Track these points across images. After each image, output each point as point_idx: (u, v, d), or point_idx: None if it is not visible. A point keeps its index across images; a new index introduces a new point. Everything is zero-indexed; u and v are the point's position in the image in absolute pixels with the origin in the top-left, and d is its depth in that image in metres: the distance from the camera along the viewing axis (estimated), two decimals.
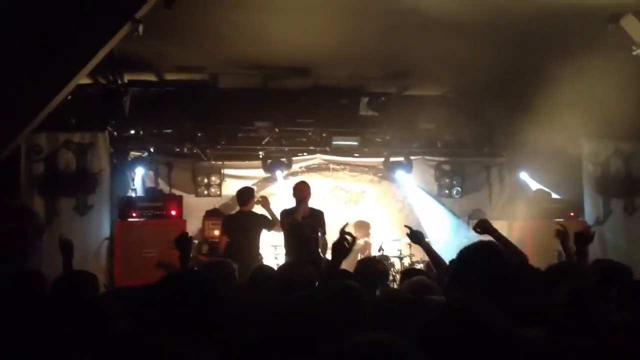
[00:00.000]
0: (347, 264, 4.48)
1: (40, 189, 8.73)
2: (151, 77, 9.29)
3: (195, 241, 9.54)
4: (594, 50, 7.27)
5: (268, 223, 8.36)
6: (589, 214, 9.88)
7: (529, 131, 8.90)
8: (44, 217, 8.66)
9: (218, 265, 4.73)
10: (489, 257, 2.92)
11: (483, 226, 4.49)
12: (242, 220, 8.41)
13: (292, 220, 7.66)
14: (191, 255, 7.73)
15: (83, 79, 7.55)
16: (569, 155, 9.85)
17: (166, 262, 7.85)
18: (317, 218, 7.96)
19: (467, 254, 2.98)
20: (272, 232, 8.43)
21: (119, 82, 8.75)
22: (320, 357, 1.71)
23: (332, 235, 8.47)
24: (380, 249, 9.61)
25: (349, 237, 4.11)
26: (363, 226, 10.25)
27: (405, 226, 4.95)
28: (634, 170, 9.89)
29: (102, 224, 9.04)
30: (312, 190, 8.24)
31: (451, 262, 3.41)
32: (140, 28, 6.63)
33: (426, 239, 4.92)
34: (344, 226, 4.19)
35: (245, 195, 8.62)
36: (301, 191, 7.96)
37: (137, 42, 6.97)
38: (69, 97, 7.35)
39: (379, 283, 4.64)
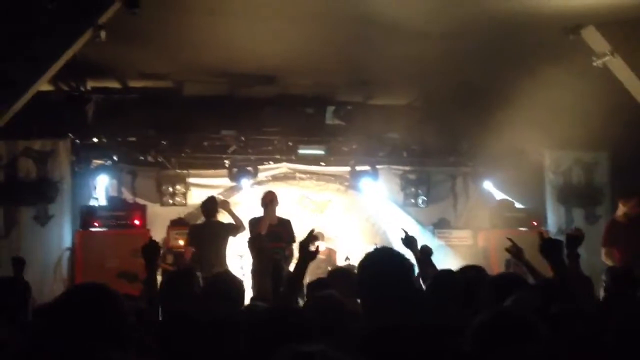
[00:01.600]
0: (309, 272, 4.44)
1: None
2: (115, 84, 9.16)
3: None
4: (556, 61, 7.40)
5: (233, 229, 8.40)
6: (552, 223, 10.01)
7: (493, 141, 9.01)
8: (2, 227, 8.46)
9: (182, 274, 4.65)
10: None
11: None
12: (209, 229, 8.41)
13: (256, 234, 7.68)
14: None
15: (44, 85, 7.41)
16: (531, 164, 9.98)
17: (128, 271, 7.73)
18: (285, 227, 8.06)
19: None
20: (238, 240, 8.40)
21: (82, 88, 8.61)
22: None
23: (298, 245, 8.54)
24: (347, 258, 9.60)
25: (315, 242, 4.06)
26: (320, 235, 10.24)
27: (402, 229, 4.93)
28: (595, 179, 10.06)
29: (63, 234, 8.85)
30: (278, 199, 8.30)
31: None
32: (103, 34, 6.56)
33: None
34: (311, 230, 4.12)
35: (210, 205, 8.64)
36: (269, 199, 8.04)
37: (100, 48, 6.90)
38: (29, 103, 7.18)
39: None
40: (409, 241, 4.79)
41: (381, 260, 2.98)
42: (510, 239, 4.91)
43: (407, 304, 2.76)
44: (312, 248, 3.95)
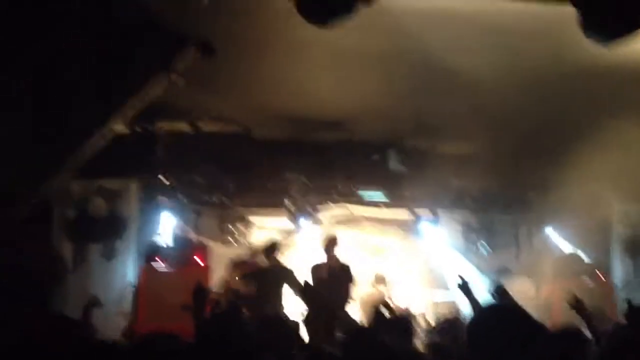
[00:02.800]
0: None
1: (69, 235, 8.78)
2: (185, 126, 9.41)
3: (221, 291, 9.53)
4: (629, 112, 7.26)
5: (292, 282, 8.39)
6: (618, 276, 9.73)
7: (560, 190, 8.86)
8: (71, 262, 8.71)
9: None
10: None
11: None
12: (270, 272, 8.48)
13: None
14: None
15: (119, 126, 7.68)
16: (599, 216, 9.75)
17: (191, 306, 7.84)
18: (345, 271, 8.08)
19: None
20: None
21: (153, 130, 8.88)
22: None
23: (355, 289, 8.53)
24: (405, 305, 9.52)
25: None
26: (380, 279, 10.19)
27: (459, 275, 4.85)
28: None
29: (128, 270, 9.07)
30: (338, 242, 8.35)
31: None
32: (180, 80, 6.79)
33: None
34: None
35: (271, 248, 8.76)
36: (330, 243, 8.09)
37: (174, 92, 7.11)
38: (104, 143, 7.45)
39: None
40: (466, 287, 4.69)
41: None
42: (569, 292, 4.79)
43: None
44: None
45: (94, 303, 5.21)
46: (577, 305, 4.64)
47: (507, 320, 2.63)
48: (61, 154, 7.19)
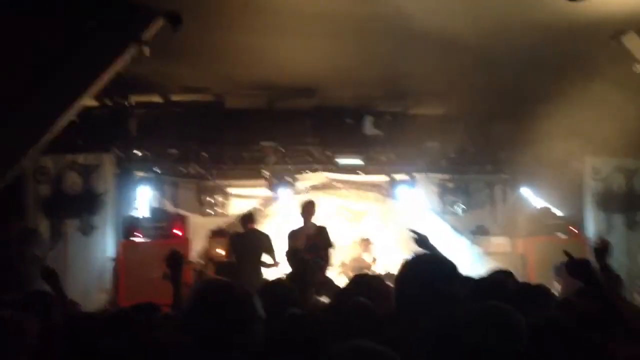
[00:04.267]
0: None
1: (45, 211, 8.73)
2: (157, 98, 9.35)
3: (200, 260, 9.60)
4: (596, 68, 7.36)
5: (270, 250, 8.52)
6: (591, 229, 9.93)
7: (532, 148, 8.99)
8: (48, 239, 8.67)
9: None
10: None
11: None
12: (248, 239, 8.55)
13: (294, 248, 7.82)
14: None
15: (89, 100, 7.61)
16: (570, 171, 9.91)
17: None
18: (322, 234, 8.15)
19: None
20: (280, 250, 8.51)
21: (125, 103, 8.81)
22: None
23: (334, 253, 8.64)
24: (384, 268, 9.65)
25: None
26: (366, 243, 10.30)
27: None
28: (635, 186, 9.95)
29: (106, 245, 9.04)
30: (316, 209, 8.42)
31: None
32: (146, 50, 6.72)
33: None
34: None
35: (248, 217, 8.84)
36: (307, 209, 8.15)
37: (143, 64, 7.05)
38: (75, 118, 7.38)
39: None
40: (422, 241, 4.67)
41: (419, 265, 2.94)
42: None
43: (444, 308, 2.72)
44: None
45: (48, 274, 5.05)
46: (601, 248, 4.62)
47: (428, 270, 2.79)
48: (33, 131, 7.11)
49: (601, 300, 3.34)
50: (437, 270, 2.78)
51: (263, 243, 8.62)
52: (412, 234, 4.68)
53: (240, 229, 9.11)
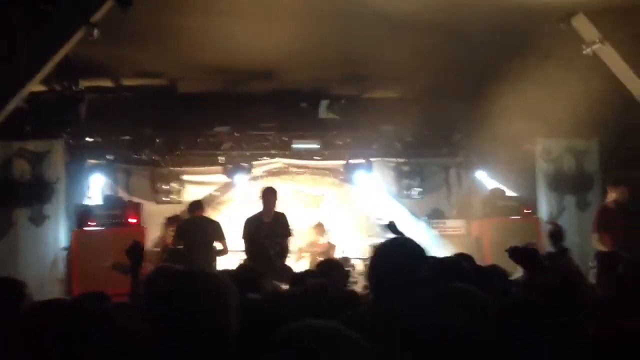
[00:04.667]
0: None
1: None
2: (108, 83, 9.15)
3: (157, 249, 9.45)
4: (546, 50, 7.50)
5: (220, 237, 8.41)
6: (544, 210, 10.13)
7: (485, 131, 9.12)
8: None
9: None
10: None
11: None
12: (197, 226, 8.40)
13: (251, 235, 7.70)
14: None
15: (37, 85, 7.39)
16: (523, 153, 10.09)
17: (122, 264, 7.72)
18: (280, 221, 8.05)
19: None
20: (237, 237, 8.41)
21: (75, 88, 8.58)
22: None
23: (292, 240, 8.60)
24: (342, 251, 9.67)
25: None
26: (320, 227, 10.30)
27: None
28: (585, 166, 10.18)
29: (58, 234, 8.85)
30: (277, 197, 8.30)
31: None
32: (95, 32, 6.55)
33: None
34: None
35: (195, 205, 8.72)
36: (267, 196, 8.03)
37: (93, 47, 6.89)
38: (23, 104, 7.17)
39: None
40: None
41: (392, 249, 3.00)
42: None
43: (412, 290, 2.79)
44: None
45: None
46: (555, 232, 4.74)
47: (401, 253, 2.88)
48: None
49: (561, 280, 3.43)
50: (409, 253, 2.86)
51: (213, 230, 8.46)
52: (379, 220, 4.75)
53: (188, 216, 8.96)
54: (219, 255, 8.46)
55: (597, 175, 10.08)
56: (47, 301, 3.50)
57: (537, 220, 10.01)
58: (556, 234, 4.57)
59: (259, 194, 8.24)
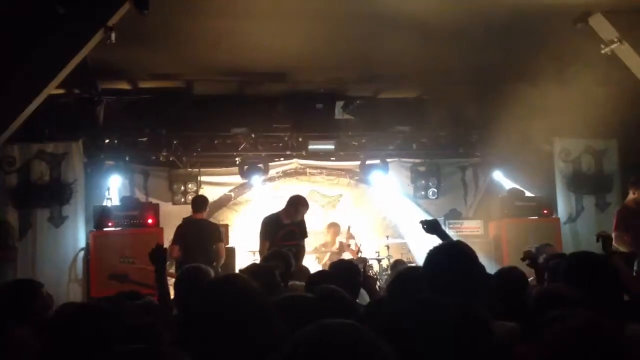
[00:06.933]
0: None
1: (13, 201, 8.60)
2: (125, 86, 9.23)
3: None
4: (565, 50, 7.43)
5: (217, 239, 8.25)
6: (562, 211, 10.04)
7: (503, 131, 9.05)
8: (17, 229, 8.55)
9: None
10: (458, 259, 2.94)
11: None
12: (195, 228, 8.25)
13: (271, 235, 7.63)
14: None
15: (55, 88, 7.48)
16: (541, 153, 10.01)
17: (118, 273, 7.76)
18: (299, 222, 7.99)
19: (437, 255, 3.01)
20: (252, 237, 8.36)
21: (93, 91, 8.66)
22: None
23: (308, 241, 8.58)
24: (359, 251, 9.64)
25: None
26: (334, 227, 10.28)
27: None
28: (605, 167, 10.08)
29: (77, 235, 8.93)
30: (289, 195, 8.23)
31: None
32: (113, 35, 6.61)
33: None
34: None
35: (199, 201, 8.58)
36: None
37: (110, 50, 6.94)
38: (42, 107, 7.25)
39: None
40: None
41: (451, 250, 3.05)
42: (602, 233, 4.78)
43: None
44: None
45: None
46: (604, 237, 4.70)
47: (460, 254, 2.94)
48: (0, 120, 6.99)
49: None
50: (465, 254, 2.93)
51: (211, 232, 8.30)
52: (421, 224, 4.68)
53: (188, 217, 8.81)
54: (214, 259, 8.26)
55: (617, 176, 9.99)
56: (83, 304, 3.54)
57: (555, 221, 9.92)
58: (605, 238, 4.50)
59: (288, 199, 8.02)
